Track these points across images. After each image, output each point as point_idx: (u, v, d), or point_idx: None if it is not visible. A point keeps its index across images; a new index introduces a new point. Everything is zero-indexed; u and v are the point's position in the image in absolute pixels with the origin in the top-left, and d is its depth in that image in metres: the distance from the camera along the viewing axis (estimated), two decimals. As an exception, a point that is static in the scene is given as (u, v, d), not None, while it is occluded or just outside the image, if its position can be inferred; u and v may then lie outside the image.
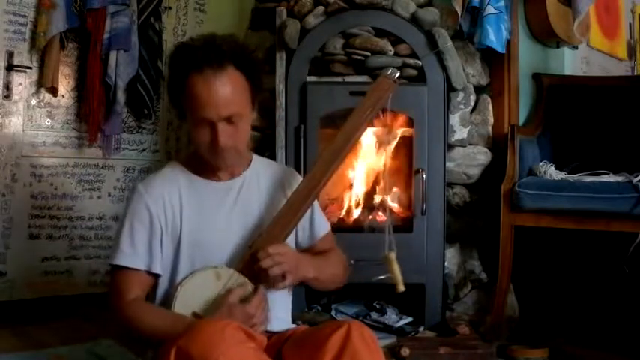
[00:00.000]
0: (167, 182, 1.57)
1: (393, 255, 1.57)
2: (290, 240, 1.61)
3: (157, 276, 1.53)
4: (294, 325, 1.62)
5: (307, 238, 1.68)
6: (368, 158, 2.69)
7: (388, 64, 2.45)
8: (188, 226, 1.53)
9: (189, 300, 1.43)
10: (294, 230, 1.63)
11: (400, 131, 2.57)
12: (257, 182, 1.62)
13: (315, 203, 1.71)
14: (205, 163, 1.57)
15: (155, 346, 1.39)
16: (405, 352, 2.18)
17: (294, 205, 1.52)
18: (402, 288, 1.57)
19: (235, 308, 1.37)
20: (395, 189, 2.63)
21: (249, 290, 1.43)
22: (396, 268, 1.57)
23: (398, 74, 1.68)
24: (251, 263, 1.44)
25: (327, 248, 1.70)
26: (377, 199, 2.64)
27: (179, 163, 1.64)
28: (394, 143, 2.35)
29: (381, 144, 2.16)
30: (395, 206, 2.62)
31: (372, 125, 1.67)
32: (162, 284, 1.53)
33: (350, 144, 1.59)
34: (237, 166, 1.60)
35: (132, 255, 1.50)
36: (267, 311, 1.45)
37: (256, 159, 1.69)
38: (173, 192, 1.55)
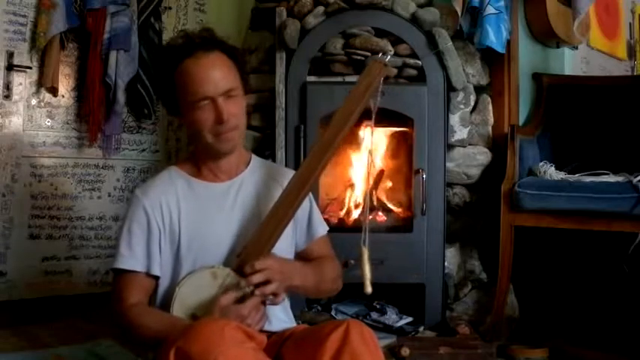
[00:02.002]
0: (164, 186, 1.57)
1: (364, 250, 1.48)
2: (290, 241, 1.61)
3: (156, 278, 1.53)
4: (294, 325, 1.62)
5: (304, 239, 1.68)
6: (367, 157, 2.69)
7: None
8: (187, 230, 1.53)
9: (187, 301, 1.43)
10: (294, 232, 1.63)
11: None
12: (256, 182, 1.62)
13: (314, 204, 1.71)
14: (205, 160, 1.58)
15: (155, 347, 1.39)
16: (405, 352, 2.18)
17: (287, 201, 1.49)
18: (368, 289, 1.45)
19: (228, 309, 1.37)
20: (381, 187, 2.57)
21: (246, 290, 1.41)
22: (366, 265, 1.46)
23: (388, 58, 1.63)
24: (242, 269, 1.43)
25: (323, 254, 1.69)
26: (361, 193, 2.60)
27: (177, 166, 1.64)
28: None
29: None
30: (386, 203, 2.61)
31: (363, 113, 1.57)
32: (164, 287, 1.53)
33: (341, 134, 1.54)
34: (234, 162, 1.61)
35: (130, 257, 1.50)
36: (265, 311, 1.44)
37: (255, 159, 1.69)
38: (171, 196, 1.55)
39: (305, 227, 1.67)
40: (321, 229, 1.71)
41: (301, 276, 1.52)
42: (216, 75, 1.49)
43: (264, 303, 1.44)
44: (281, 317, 1.58)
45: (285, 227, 1.49)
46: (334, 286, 1.68)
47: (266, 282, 1.40)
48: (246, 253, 1.44)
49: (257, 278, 1.39)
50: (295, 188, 1.50)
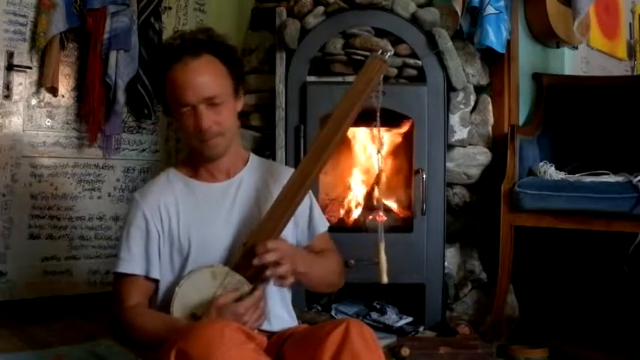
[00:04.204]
0: (163, 189, 1.57)
1: (381, 245, 1.56)
2: (290, 238, 1.60)
3: (156, 281, 1.53)
4: (295, 324, 1.62)
5: (306, 237, 1.67)
6: (368, 157, 2.69)
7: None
8: (186, 231, 1.53)
9: (186, 301, 1.42)
10: (294, 229, 1.63)
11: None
12: (255, 181, 1.62)
13: (314, 201, 1.71)
14: (201, 162, 1.58)
15: (155, 347, 1.38)
16: (405, 352, 2.18)
17: (287, 197, 1.49)
18: (384, 279, 1.55)
19: (225, 308, 1.37)
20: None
21: (245, 289, 1.41)
22: (383, 258, 1.55)
23: (388, 55, 1.61)
24: (247, 260, 1.42)
25: (325, 249, 1.68)
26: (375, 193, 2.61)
27: (175, 167, 1.64)
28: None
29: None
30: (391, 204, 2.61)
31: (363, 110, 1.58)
32: (164, 289, 1.53)
33: (341, 130, 1.53)
34: (231, 162, 1.60)
35: (129, 261, 1.51)
36: (264, 309, 1.44)
37: (253, 158, 1.69)
38: (169, 199, 1.55)
39: (306, 224, 1.67)
40: (322, 225, 1.71)
41: (308, 263, 1.52)
42: (200, 82, 1.47)
43: (264, 303, 1.44)
44: (282, 317, 1.58)
45: (287, 222, 1.49)
46: (338, 280, 1.67)
47: (276, 263, 1.39)
48: (253, 239, 1.44)
49: (270, 257, 1.38)
50: (296, 184, 1.50)
